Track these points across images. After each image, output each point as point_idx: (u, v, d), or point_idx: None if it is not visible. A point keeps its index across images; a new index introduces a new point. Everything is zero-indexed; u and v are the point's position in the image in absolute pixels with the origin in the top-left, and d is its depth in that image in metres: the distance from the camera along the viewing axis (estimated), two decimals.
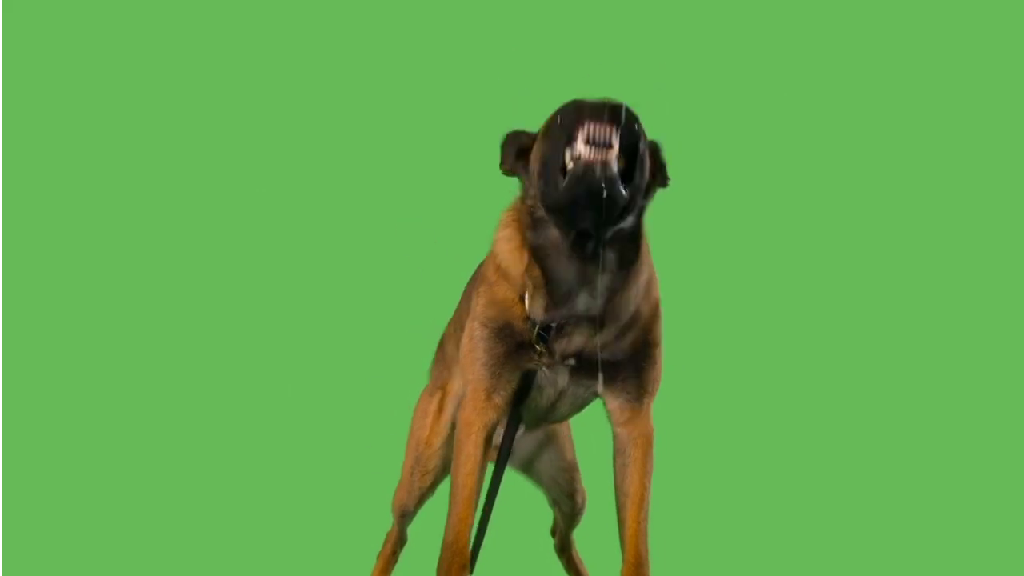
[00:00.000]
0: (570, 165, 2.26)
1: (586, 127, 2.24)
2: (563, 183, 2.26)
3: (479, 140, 3.68)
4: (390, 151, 3.77)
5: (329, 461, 3.49)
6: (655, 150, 2.41)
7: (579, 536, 3.02)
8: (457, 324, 2.74)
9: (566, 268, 2.36)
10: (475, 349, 2.48)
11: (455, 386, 2.74)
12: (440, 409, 2.77)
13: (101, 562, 3.15)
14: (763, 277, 3.64)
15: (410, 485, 2.79)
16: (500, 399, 2.48)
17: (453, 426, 2.72)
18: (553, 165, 2.30)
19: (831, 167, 3.77)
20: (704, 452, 3.38)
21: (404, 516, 2.83)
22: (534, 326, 2.40)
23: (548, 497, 2.96)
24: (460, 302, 2.78)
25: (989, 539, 3.33)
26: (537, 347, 2.41)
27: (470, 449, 2.48)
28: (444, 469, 2.77)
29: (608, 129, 2.24)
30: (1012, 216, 3.77)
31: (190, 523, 3.33)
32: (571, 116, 2.28)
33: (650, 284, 2.46)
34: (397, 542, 2.90)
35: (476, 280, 2.65)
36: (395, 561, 2.92)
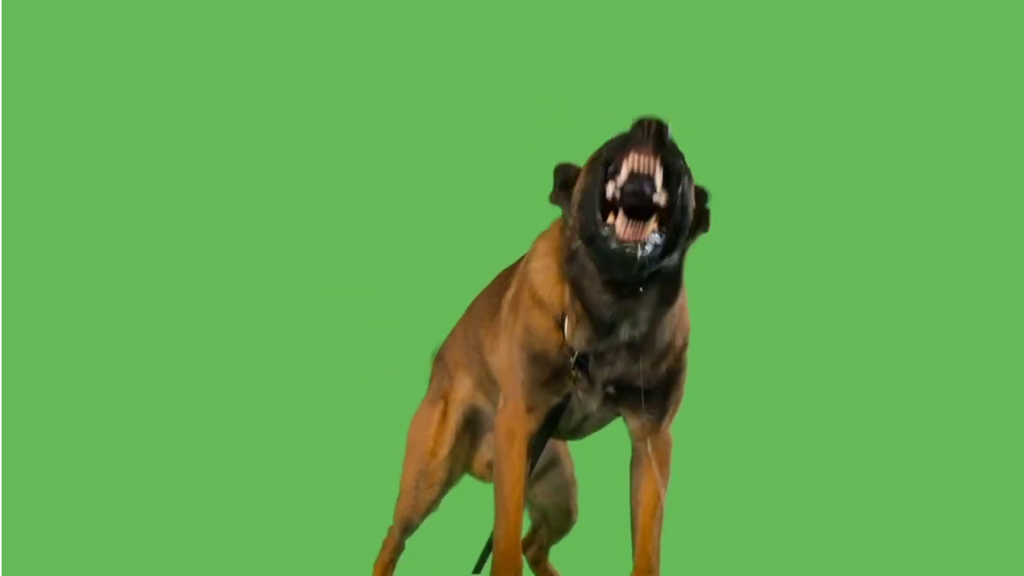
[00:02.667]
0: (610, 195, 2.24)
1: (628, 179, 2.21)
2: (599, 236, 2.24)
3: (480, 148, 3.74)
4: (388, 159, 3.78)
5: (325, 467, 3.48)
6: (701, 196, 2.38)
7: (583, 545, 3.02)
8: (468, 329, 2.72)
9: (605, 302, 2.33)
10: (514, 368, 2.46)
11: (460, 393, 2.75)
12: (443, 418, 2.76)
13: (101, 562, 3.15)
14: (767, 282, 3.64)
15: (415, 499, 2.77)
16: (539, 414, 2.47)
17: (458, 434, 2.75)
18: (590, 202, 2.27)
19: (833, 169, 3.77)
20: (716, 461, 3.37)
21: (408, 530, 2.81)
22: (572, 354, 2.38)
23: (537, 513, 2.95)
24: (473, 309, 2.75)
25: (990, 540, 3.33)
26: (574, 374, 2.40)
27: (515, 457, 2.46)
28: (450, 480, 2.78)
29: (649, 189, 2.21)
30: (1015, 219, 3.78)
31: (184, 528, 3.32)
32: (616, 152, 2.25)
33: (683, 311, 2.45)
34: (396, 549, 2.86)
35: (494, 291, 2.65)
36: (393, 568, 2.88)
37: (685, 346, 2.47)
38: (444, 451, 2.74)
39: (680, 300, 2.41)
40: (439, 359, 2.87)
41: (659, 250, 2.24)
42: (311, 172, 3.79)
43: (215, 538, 3.27)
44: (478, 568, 2.80)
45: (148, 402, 3.60)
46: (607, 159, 2.27)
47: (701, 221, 2.38)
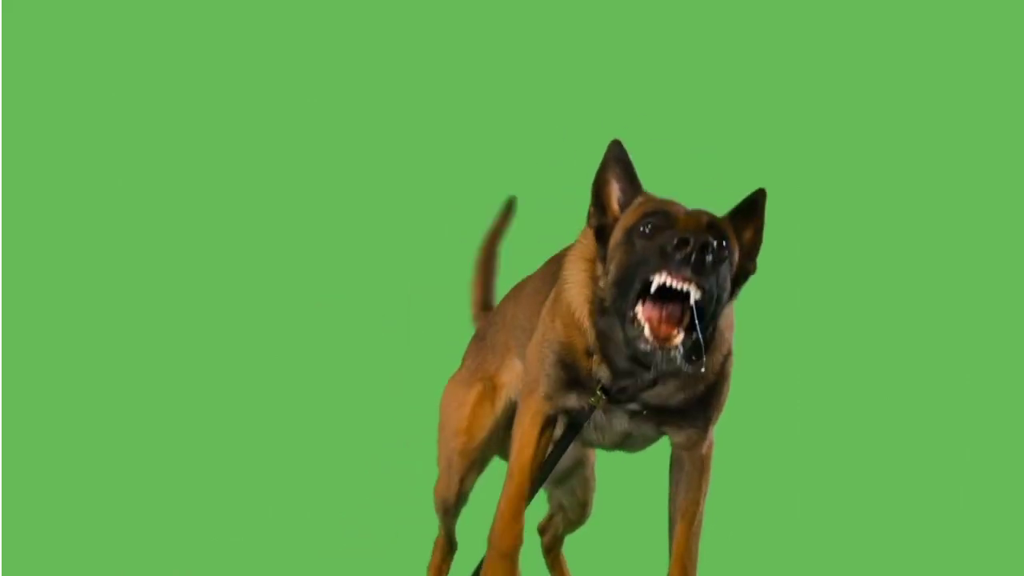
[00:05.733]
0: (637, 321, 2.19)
1: (658, 296, 2.15)
2: (627, 332, 2.21)
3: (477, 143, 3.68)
4: (386, 150, 3.78)
5: (363, 468, 3.46)
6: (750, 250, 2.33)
7: (624, 547, 3.01)
8: (521, 313, 2.66)
9: (627, 366, 2.30)
10: (543, 362, 2.42)
11: (509, 377, 2.69)
12: (482, 400, 2.71)
13: (100, 562, 3.15)
14: (770, 284, 3.61)
15: (448, 479, 2.73)
16: (555, 404, 2.43)
17: (501, 419, 2.69)
18: (623, 303, 2.22)
19: (835, 172, 3.76)
20: (756, 472, 3.37)
21: (447, 512, 2.77)
22: (598, 382, 2.35)
23: (555, 502, 2.93)
24: (524, 295, 2.70)
25: (990, 540, 3.32)
26: (599, 394, 2.36)
27: (527, 424, 2.43)
28: (484, 463, 2.74)
29: (691, 269, 2.13)
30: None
31: (191, 528, 3.31)
32: (656, 245, 2.18)
33: (726, 329, 2.39)
34: (446, 548, 2.84)
35: (547, 278, 2.59)
36: (447, 570, 2.86)
37: (727, 359, 2.40)
38: (483, 433, 2.69)
39: (720, 332, 2.35)
40: (479, 338, 2.82)
41: (685, 351, 2.19)
42: (303, 165, 3.80)
43: (238, 541, 3.27)
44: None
45: (142, 395, 3.60)
46: (643, 280, 2.18)
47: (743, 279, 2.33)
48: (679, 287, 2.14)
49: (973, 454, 3.59)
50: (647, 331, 2.16)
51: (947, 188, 3.76)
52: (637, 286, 2.18)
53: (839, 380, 3.63)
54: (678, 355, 2.18)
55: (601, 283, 2.30)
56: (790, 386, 3.55)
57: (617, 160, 2.33)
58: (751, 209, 2.32)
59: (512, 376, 2.68)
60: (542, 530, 3.00)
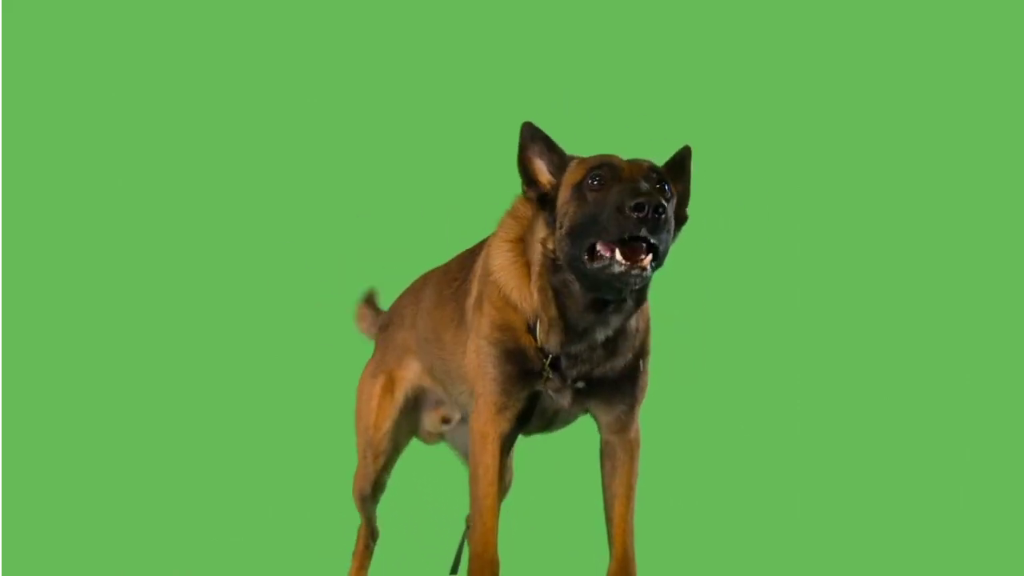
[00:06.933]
0: (600, 255, 2.30)
1: (623, 226, 2.26)
2: (590, 268, 2.31)
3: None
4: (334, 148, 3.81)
5: (293, 462, 3.52)
6: (682, 205, 2.47)
7: (570, 536, 3.10)
8: (419, 320, 2.77)
9: (585, 312, 2.40)
10: (484, 365, 2.51)
11: (406, 374, 2.83)
12: (385, 392, 2.86)
13: (100, 561, 3.20)
14: (747, 277, 3.67)
15: (364, 469, 2.89)
16: (510, 414, 2.52)
17: (402, 411, 2.85)
18: (580, 249, 2.33)
19: (828, 169, 3.83)
20: (686, 451, 3.43)
21: (364, 500, 2.92)
22: (546, 356, 2.45)
23: None
24: (424, 298, 2.79)
25: (990, 540, 3.37)
26: (546, 373, 2.46)
27: (488, 460, 2.51)
28: (395, 451, 2.89)
29: (647, 228, 2.26)
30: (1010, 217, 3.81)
31: (161, 524, 3.37)
32: (608, 205, 2.29)
33: (645, 314, 2.54)
34: (369, 536, 2.97)
35: (447, 282, 2.70)
36: (370, 555, 2.99)
37: (648, 331, 2.55)
38: (388, 424, 2.86)
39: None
40: (384, 330, 2.95)
41: (651, 272, 2.34)
42: (290, 164, 3.84)
43: (179, 528, 3.33)
44: (454, 568, 2.90)
45: (115, 389, 3.65)
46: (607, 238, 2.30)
47: (680, 221, 2.46)
48: (641, 235, 2.27)
49: (957, 445, 3.65)
50: (618, 254, 2.28)
51: (934, 183, 3.83)
52: (596, 239, 2.30)
53: (824, 373, 3.71)
54: (648, 274, 2.30)
55: (550, 244, 2.41)
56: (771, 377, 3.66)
57: (534, 138, 2.47)
58: (680, 165, 2.50)
59: (408, 373, 2.84)
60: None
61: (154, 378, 3.67)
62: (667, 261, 2.36)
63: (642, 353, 2.54)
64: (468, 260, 2.69)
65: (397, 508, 2.99)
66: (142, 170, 3.80)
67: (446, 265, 2.81)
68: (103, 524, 3.36)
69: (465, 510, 2.63)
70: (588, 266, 2.32)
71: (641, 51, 3.82)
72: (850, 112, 3.84)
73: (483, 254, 2.59)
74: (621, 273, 2.28)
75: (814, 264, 3.75)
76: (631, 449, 2.60)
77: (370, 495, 2.92)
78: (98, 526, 3.35)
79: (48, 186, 3.74)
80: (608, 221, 2.29)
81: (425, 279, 2.88)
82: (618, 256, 2.28)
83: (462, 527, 2.88)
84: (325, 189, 3.78)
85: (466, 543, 2.77)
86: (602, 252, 2.30)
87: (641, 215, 2.26)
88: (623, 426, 2.58)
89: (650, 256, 2.29)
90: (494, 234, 2.58)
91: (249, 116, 3.82)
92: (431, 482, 3.12)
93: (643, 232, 2.26)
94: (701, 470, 3.53)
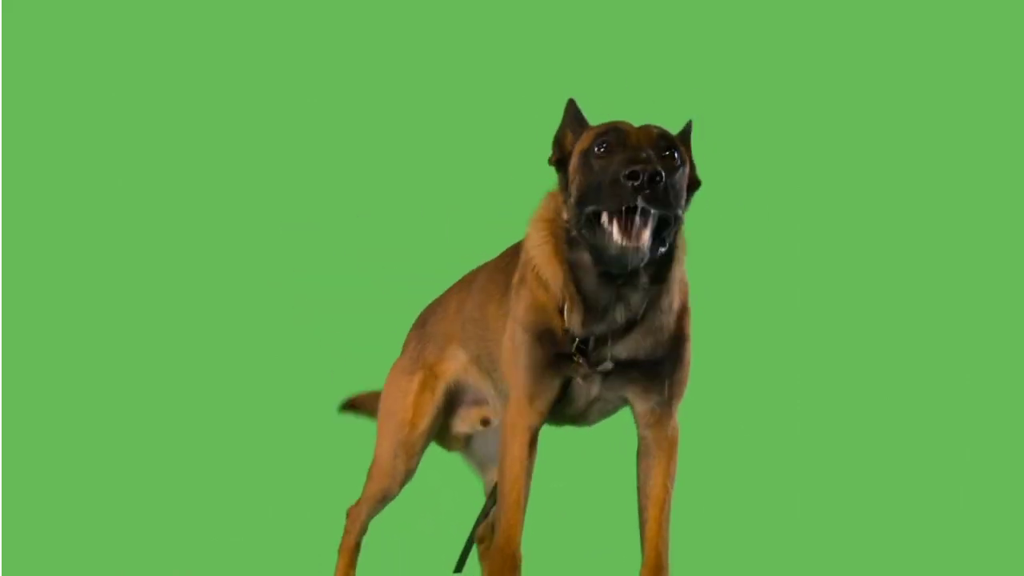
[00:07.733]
0: (603, 226, 2.25)
1: (622, 197, 2.21)
2: (594, 241, 2.28)
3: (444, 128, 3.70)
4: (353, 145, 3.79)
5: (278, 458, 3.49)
6: (690, 166, 2.41)
7: (601, 536, 3.02)
8: (467, 304, 2.71)
9: (600, 287, 2.35)
10: (518, 352, 2.46)
11: (450, 366, 2.74)
12: (424, 388, 2.76)
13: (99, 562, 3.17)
14: (773, 278, 3.63)
15: (393, 468, 2.77)
16: (541, 405, 2.46)
17: (441, 408, 2.76)
18: (585, 219, 2.29)
19: (835, 170, 3.78)
20: (726, 455, 3.37)
21: (385, 500, 2.81)
22: (573, 339, 2.39)
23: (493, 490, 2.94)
24: (474, 284, 2.74)
25: (990, 540, 3.33)
26: (575, 358, 2.40)
27: (516, 451, 2.47)
28: (424, 450, 2.77)
29: (643, 198, 2.20)
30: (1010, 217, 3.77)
31: (160, 524, 3.34)
32: (609, 173, 2.25)
33: (681, 284, 2.45)
34: (361, 533, 2.87)
35: (499, 268, 2.64)
36: (358, 552, 2.89)
37: (685, 314, 2.46)
38: (425, 422, 2.75)
39: (677, 274, 2.42)
40: (420, 327, 2.87)
41: (653, 249, 2.27)
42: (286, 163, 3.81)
43: (179, 528, 3.31)
44: (459, 567, 2.77)
45: (109, 389, 3.63)
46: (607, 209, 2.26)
47: (692, 188, 2.40)
48: (638, 205, 2.21)
49: (958, 446, 3.60)
50: (615, 228, 2.22)
51: (933, 182, 3.79)
52: (598, 207, 2.25)
53: (827, 373, 3.65)
54: (646, 250, 2.24)
55: (565, 215, 2.38)
56: (779, 379, 3.59)
57: (573, 116, 2.43)
58: (685, 137, 2.45)
59: (452, 365, 2.74)
60: (481, 539, 2.96)
61: (154, 378, 3.65)
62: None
63: (680, 338, 2.44)
64: (519, 246, 2.61)
65: (397, 508, 2.87)
66: (146, 171, 3.79)
67: (501, 253, 2.73)
68: (101, 524, 3.33)
69: (467, 510, 2.62)
70: (592, 239, 2.28)
71: (652, 49, 3.80)
72: (855, 110, 3.79)
73: (525, 237, 2.54)
74: (618, 249, 2.23)
75: (815, 264, 3.68)
76: (668, 447, 2.49)
77: (395, 495, 2.81)
78: (96, 526, 3.33)
79: (48, 186, 3.71)
80: (608, 189, 2.24)
81: (474, 273, 2.80)
82: (615, 229, 2.23)
83: (465, 527, 2.79)
84: (325, 189, 3.75)
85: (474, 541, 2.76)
86: (604, 223, 2.25)
87: (636, 183, 2.19)
88: (658, 420, 2.47)
89: (648, 231, 2.22)
90: (530, 220, 2.53)
91: (261, 116, 3.79)
92: (431, 482, 2.99)
93: (639, 202, 2.20)
94: (730, 473, 3.44)
